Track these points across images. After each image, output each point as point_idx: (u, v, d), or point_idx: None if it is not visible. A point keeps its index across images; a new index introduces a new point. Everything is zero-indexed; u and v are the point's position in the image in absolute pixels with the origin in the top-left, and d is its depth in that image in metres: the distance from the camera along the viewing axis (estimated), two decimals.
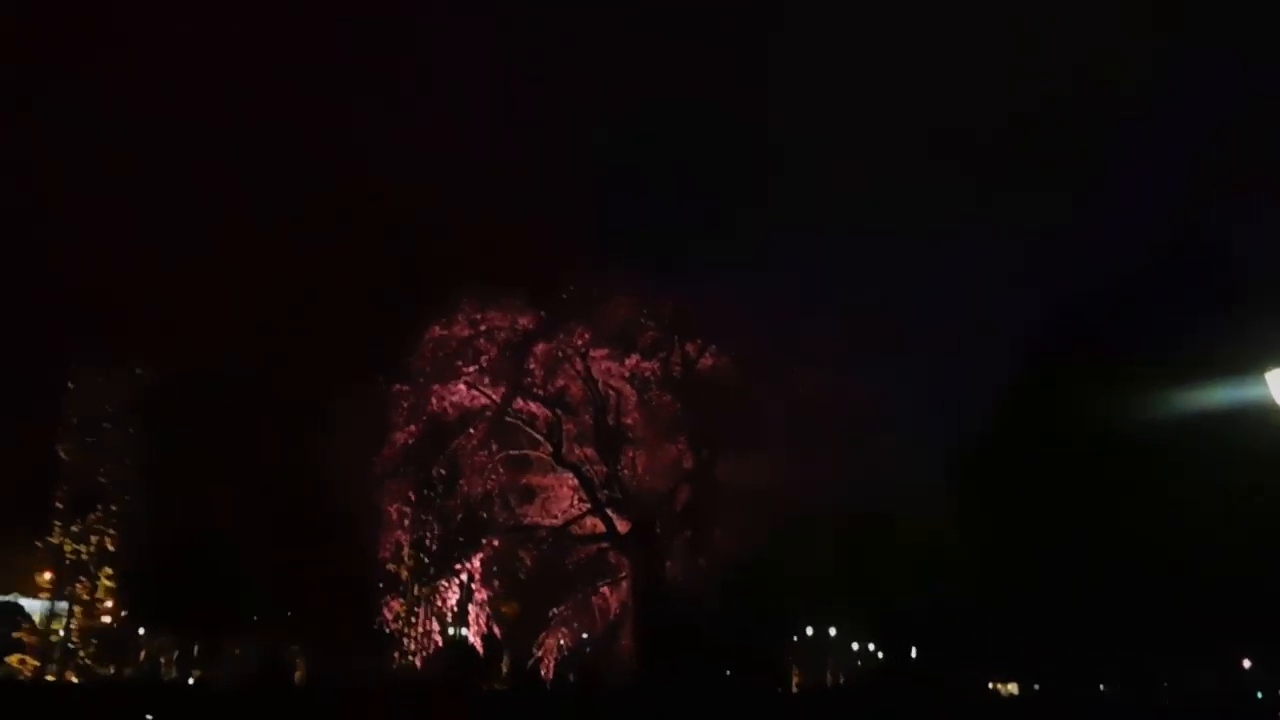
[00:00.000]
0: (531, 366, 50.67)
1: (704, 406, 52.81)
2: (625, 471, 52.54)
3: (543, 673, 57.75)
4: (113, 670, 77.61)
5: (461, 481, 52.09)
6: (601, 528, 52.92)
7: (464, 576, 51.09)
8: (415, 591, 53.81)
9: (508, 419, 51.28)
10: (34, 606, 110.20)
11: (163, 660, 79.59)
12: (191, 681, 75.21)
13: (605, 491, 51.90)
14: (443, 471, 51.15)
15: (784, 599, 66.39)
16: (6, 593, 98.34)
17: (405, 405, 50.01)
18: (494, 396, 51.06)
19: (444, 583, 51.04)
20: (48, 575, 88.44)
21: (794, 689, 78.44)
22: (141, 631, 79.48)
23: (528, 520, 54.41)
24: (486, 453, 51.97)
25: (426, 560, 51.79)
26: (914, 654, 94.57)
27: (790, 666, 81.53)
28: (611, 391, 52.31)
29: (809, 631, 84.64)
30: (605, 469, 51.94)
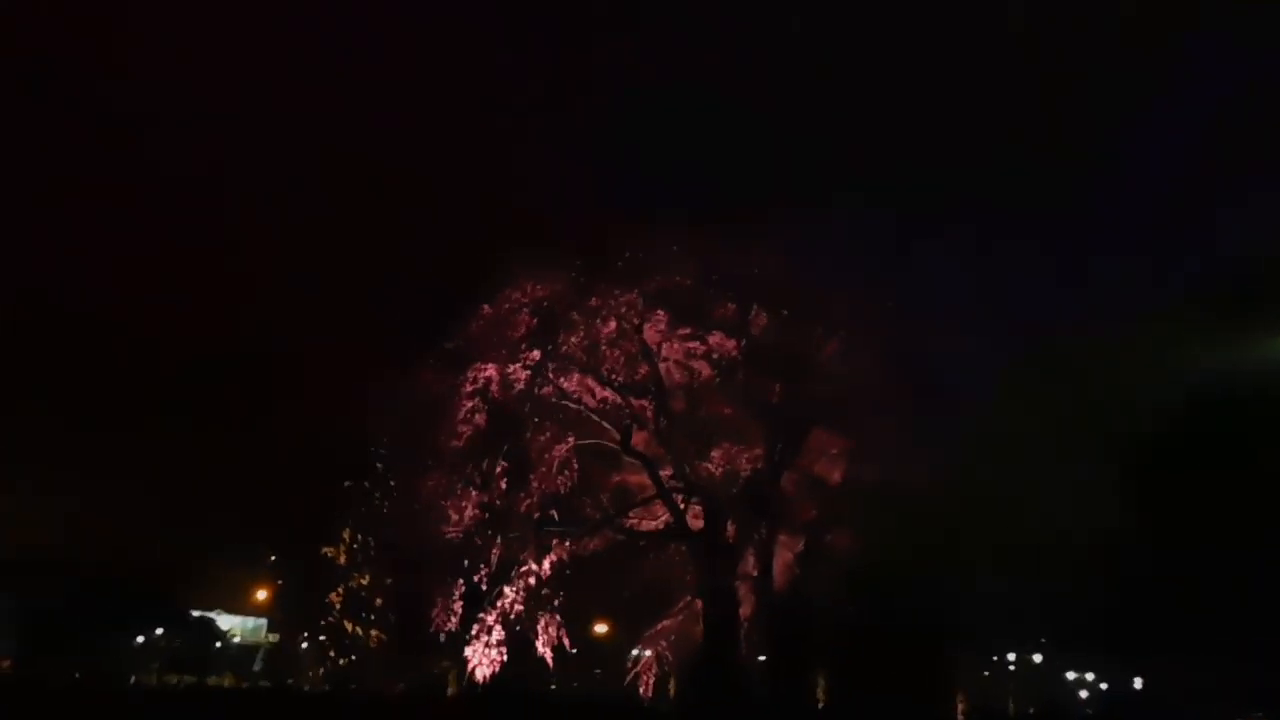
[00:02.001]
0: (573, 339, 45.63)
1: (796, 386, 46.40)
2: (703, 464, 46.65)
3: (641, 691, 52.36)
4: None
5: (532, 477, 47.52)
6: (697, 525, 47.36)
7: (531, 581, 46.20)
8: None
9: (564, 403, 46.36)
10: (234, 622, 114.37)
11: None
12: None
13: (675, 484, 46.15)
14: (505, 464, 46.47)
15: (930, 610, 58.50)
16: (210, 609, 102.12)
17: (466, 390, 45.86)
18: (554, 379, 46.36)
19: (508, 590, 46.24)
20: (262, 594, 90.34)
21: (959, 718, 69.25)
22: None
23: (629, 523, 49.42)
24: (556, 443, 47.27)
25: (487, 566, 46.98)
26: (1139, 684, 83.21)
27: (954, 691, 71.97)
28: (684, 372, 46.57)
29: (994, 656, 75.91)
30: (672, 460, 46.13)
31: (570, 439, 47.84)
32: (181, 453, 75.79)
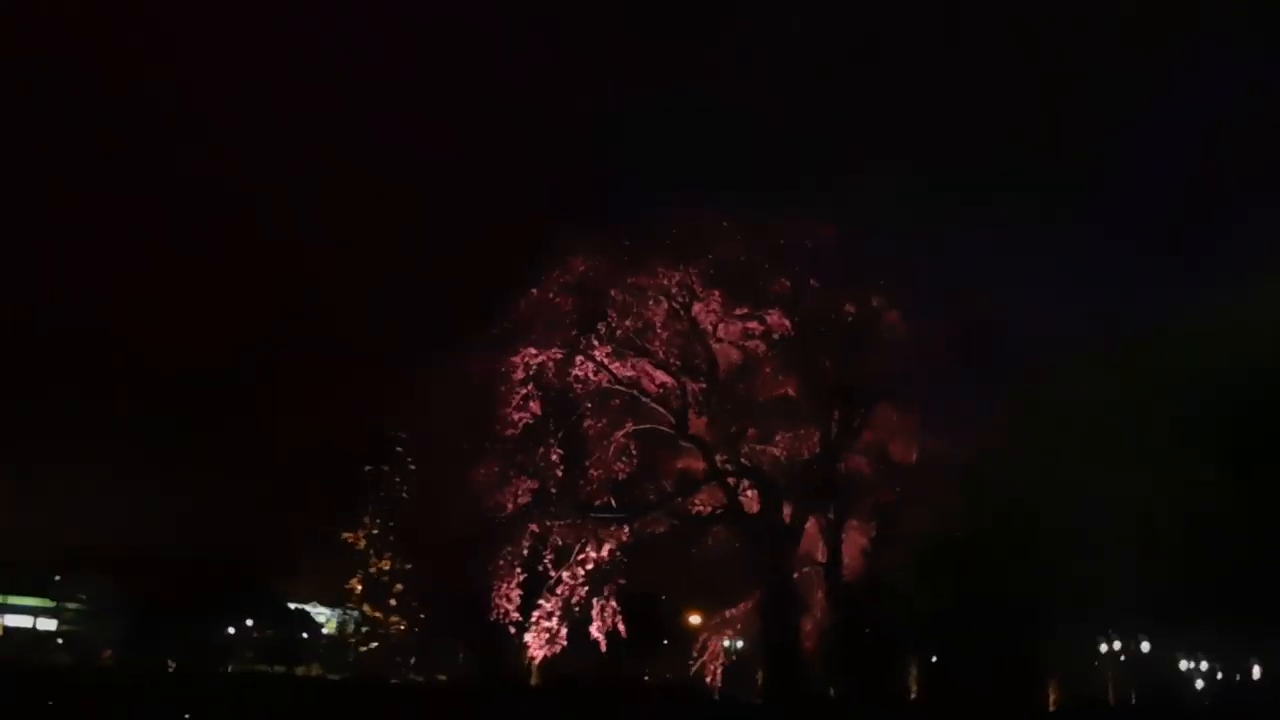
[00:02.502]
0: (626, 323, 44.33)
1: (856, 360, 44.54)
2: (759, 447, 45.05)
3: (708, 680, 51.04)
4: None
5: (588, 463, 46.47)
6: (753, 508, 45.83)
7: (590, 566, 45.21)
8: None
9: (618, 387, 45.16)
10: (330, 613, 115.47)
11: None
12: None
13: (730, 468, 44.61)
14: (560, 452, 45.45)
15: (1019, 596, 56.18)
16: (307, 600, 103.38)
17: (518, 377, 44.89)
18: (608, 364, 45.22)
19: (566, 575, 45.29)
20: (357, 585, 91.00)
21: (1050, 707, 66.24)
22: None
23: (685, 508, 48.08)
24: (615, 429, 46.17)
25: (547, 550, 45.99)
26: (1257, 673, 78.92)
27: (1046, 678, 68.82)
28: (740, 352, 45.04)
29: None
30: (727, 443, 44.61)
31: (629, 424, 46.75)
32: (266, 447, 76.90)
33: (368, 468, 73.99)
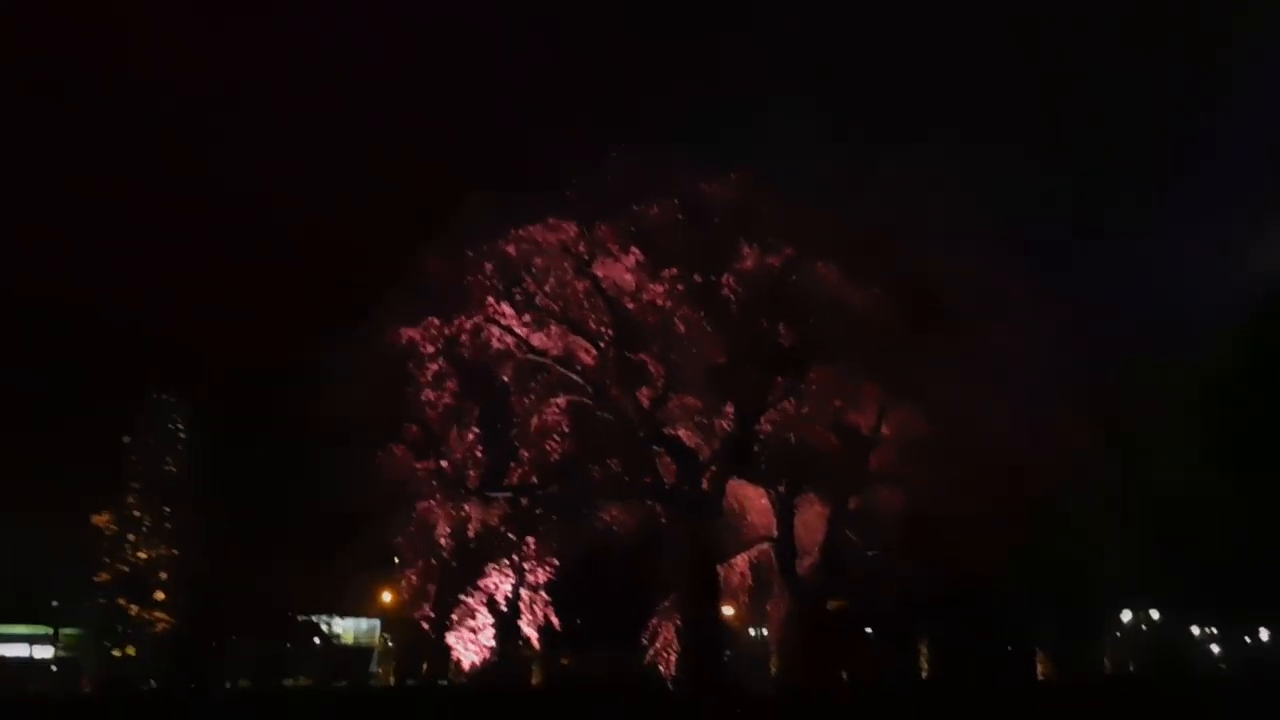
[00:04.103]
0: (545, 288, 40.98)
1: (790, 321, 40.93)
2: (679, 414, 41.56)
3: (662, 670, 47.40)
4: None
5: (517, 443, 43.16)
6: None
7: (515, 557, 41.83)
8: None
9: (533, 358, 41.80)
10: (347, 625, 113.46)
11: None
12: None
13: (642, 435, 41.06)
14: (477, 431, 42.11)
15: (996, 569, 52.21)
16: (325, 613, 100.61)
17: (428, 350, 41.51)
18: (525, 334, 41.89)
19: (493, 566, 41.90)
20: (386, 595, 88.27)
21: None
22: None
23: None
24: (540, 404, 42.85)
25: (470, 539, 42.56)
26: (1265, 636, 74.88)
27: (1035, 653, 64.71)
28: (659, 314, 41.45)
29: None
30: (646, 411, 41.10)
31: (559, 399, 43.46)
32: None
33: (126, 438, 66.37)
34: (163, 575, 67.00)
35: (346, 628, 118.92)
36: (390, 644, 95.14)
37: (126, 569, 67.24)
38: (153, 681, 68.61)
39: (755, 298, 41.14)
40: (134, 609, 67.29)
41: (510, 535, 41.52)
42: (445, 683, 70.68)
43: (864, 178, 38.99)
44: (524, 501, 41.62)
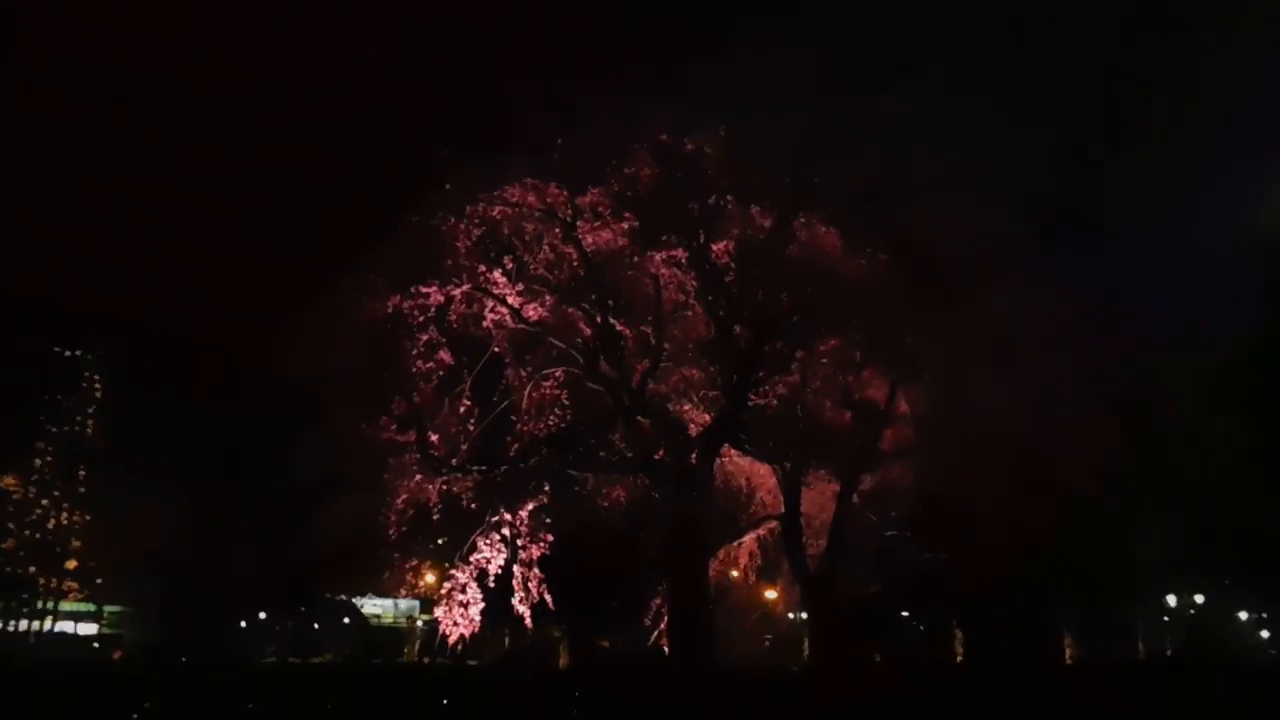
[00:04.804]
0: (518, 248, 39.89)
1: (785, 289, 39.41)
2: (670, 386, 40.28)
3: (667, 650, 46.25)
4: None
5: (512, 417, 42.19)
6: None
7: (506, 532, 40.76)
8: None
9: (525, 328, 40.65)
10: (385, 605, 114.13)
11: None
12: None
13: (632, 405, 39.72)
14: (469, 403, 41.11)
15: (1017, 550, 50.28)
16: (361, 593, 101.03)
17: (418, 319, 40.39)
18: (515, 304, 40.78)
19: (484, 541, 40.88)
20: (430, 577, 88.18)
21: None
22: None
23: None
24: (536, 376, 41.80)
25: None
26: None
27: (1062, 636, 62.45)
28: (652, 283, 40.13)
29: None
30: (630, 380, 39.84)
31: (556, 372, 42.42)
32: None
33: (47, 396, 61.89)
34: (76, 543, 64.06)
35: (386, 608, 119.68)
36: (422, 625, 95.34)
37: (38, 535, 64.25)
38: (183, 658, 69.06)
39: (743, 262, 39.61)
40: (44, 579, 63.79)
41: (503, 510, 40.36)
42: (474, 663, 70.50)
43: (853, 132, 37.22)
44: (503, 471, 40.27)
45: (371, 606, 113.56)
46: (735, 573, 49.19)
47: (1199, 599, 69.51)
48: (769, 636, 69.97)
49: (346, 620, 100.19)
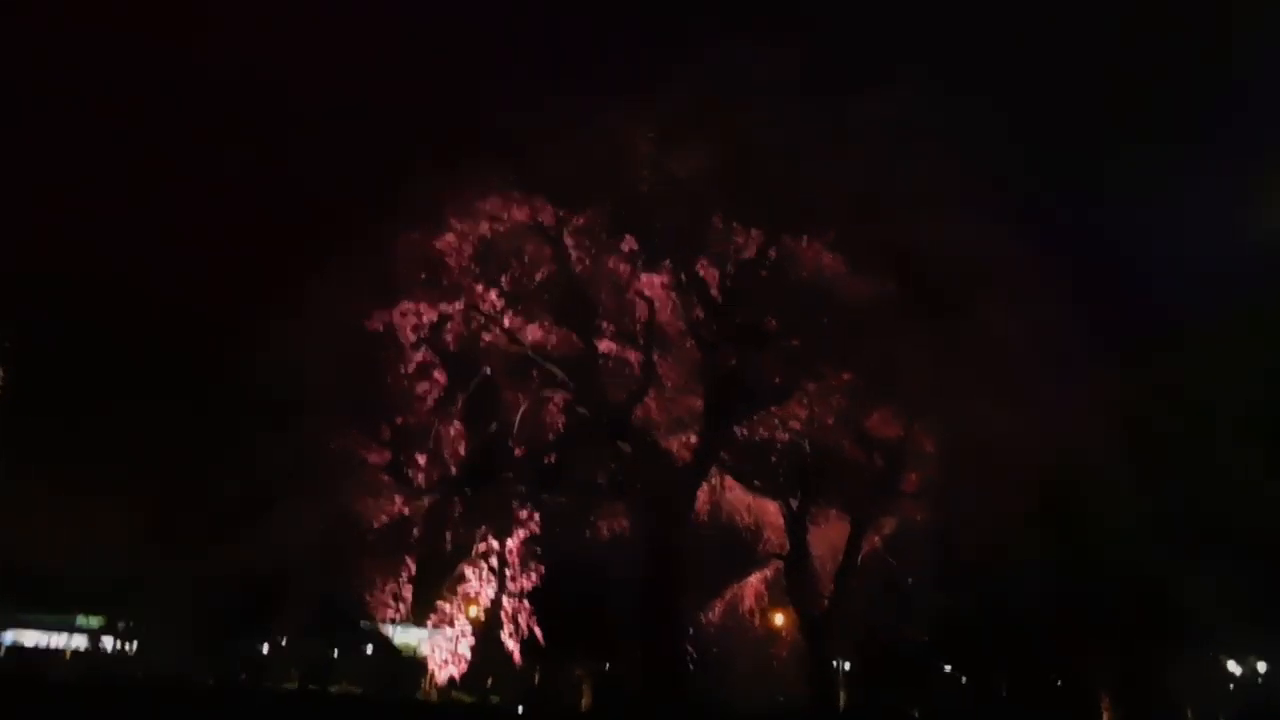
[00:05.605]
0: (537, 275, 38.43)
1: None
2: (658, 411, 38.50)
3: None
4: None
5: (510, 441, 40.62)
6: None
7: (494, 561, 39.13)
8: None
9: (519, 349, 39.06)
10: (420, 635, 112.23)
11: None
12: None
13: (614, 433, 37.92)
14: (460, 426, 39.68)
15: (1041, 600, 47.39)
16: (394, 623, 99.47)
17: (410, 338, 38.93)
18: (511, 324, 39.24)
19: (470, 571, 39.29)
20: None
21: None
22: None
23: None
24: (533, 399, 40.28)
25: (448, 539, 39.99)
26: None
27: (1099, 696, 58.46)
28: (647, 305, 38.45)
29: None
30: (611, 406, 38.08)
31: (556, 395, 40.83)
32: None
33: None
34: None
35: (418, 638, 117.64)
36: None
37: None
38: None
39: (734, 280, 37.83)
40: None
41: (490, 538, 38.77)
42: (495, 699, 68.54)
43: (848, 136, 35.28)
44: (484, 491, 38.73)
45: (403, 636, 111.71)
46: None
47: (1261, 666, 64.81)
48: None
49: (369, 648, 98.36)
